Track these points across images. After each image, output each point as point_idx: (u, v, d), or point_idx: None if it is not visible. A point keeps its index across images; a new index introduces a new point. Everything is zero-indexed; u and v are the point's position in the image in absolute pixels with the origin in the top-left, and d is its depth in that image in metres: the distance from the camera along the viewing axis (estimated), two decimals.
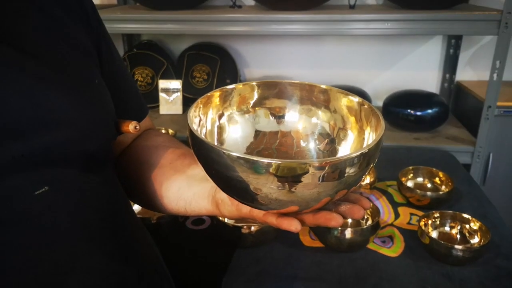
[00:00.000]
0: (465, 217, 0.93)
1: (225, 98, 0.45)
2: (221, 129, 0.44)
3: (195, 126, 0.39)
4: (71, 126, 0.38)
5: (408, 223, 1.01)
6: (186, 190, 0.48)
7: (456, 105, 1.81)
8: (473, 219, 0.92)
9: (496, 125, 1.51)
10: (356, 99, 0.43)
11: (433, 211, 0.95)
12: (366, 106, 0.41)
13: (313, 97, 0.46)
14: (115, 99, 0.50)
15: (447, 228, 0.94)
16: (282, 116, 0.47)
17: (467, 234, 0.92)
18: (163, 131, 1.48)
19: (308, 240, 0.95)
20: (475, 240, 0.90)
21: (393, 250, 0.92)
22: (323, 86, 0.45)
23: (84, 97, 0.41)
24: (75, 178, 0.39)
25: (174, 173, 0.50)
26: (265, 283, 0.83)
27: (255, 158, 0.31)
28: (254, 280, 0.83)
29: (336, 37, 1.82)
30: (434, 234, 0.93)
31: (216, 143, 0.43)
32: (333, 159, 0.31)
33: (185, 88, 1.81)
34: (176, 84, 1.78)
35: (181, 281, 0.86)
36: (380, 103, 1.71)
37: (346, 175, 0.32)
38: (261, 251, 0.91)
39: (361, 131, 0.42)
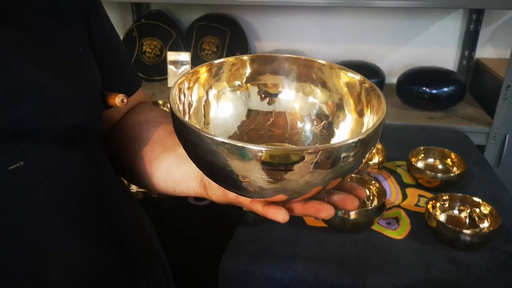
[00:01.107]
0: (475, 201, 0.90)
1: (215, 73, 0.42)
2: (209, 107, 0.41)
3: (177, 105, 0.36)
4: (48, 97, 0.36)
5: (416, 205, 0.98)
6: (175, 169, 0.45)
7: (473, 84, 1.74)
8: (484, 202, 0.89)
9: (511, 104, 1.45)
10: (357, 77, 0.39)
11: (442, 194, 0.92)
12: (367, 85, 0.38)
13: (313, 73, 0.42)
14: (104, 70, 0.47)
15: (455, 212, 0.91)
16: (277, 94, 0.43)
17: (476, 218, 0.89)
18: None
19: (311, 220, 0.92)
20: (485, 224, 0.87)
21: (398, 232, 0.89)
22: (323, 62, 0.41)
23: (65, 66, 0.38)
24: (54, 153, 0.37)
25: (164, 151, 0.47)
26: (265, 261, 0.81)
27: (240, 144, 0.28)
28: (254, 258, 0.82)
29: (351, 9, 1.75)
30: (442, 217, 0.91)
31: (203, 123, 0.40)
32: (326, 146, 0.28)
33: (194, 60, 1.77)
34: (185, 56, 1.74)
35: (180, 259, 0.85)
36: (394, 80, 1.65)
37: (340, 163, 0.30)
38: (262, 229, 0.89)
39: (361, 113, 0.39)
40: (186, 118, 0.38)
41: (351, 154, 0.30)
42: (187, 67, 1.74)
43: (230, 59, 0.41)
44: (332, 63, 0.41)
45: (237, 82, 0.43)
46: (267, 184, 0.30)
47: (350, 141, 0.29)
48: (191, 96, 0.39)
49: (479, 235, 0.82)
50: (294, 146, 0.27)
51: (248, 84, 0.43)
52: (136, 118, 0.53)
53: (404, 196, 1.01)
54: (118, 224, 0.43)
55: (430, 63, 1.73)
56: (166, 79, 1.75)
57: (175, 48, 1.79)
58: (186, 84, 0.38)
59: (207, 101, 0.41)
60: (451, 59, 1.78)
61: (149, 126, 0.51)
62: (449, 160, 1.09)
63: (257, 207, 0.36)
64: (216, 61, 0.41)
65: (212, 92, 0.42)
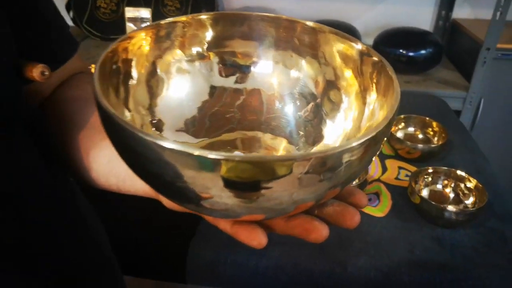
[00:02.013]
0: (460, 175, 0.84)
1: (164, 38, 0.31)
2: (157, 84, 0.31)
3: (106, 88, 0.25)
4: None
5: (396, 178, 0.92)
6: (117, 163, 0.35)
7: (450, 46, 1.68)
8: (469, 176, 0.83)
9: (490, 69, 1.40)
10: (357, 46, 0.29)
11: (426, 167, 0.86)
12: (373, 58, 0.28)
13: (295, 38, 0.32)
14: (24, 33, 0.35)
15: (439, 186, 0.86)
16: (249, 67, 0.33)
17: (461, 194, 0.84)
18: None
19: None
20: (470, 200, 0.82)
21: (380, 209, 0.83)
22: (310, 23, 0.31)
23: None
24: None
25: (105, 138, 0.36)
26: (237, 248, 0.73)
27: (197, 152, 0.18)
28: (225, 244, 0.74)
29: None
30: (425, 192, 0.85)
31: (147, 107, 0.30)
32: (321, 153, 0.19)
33: (155, 18, 1.61)
34: (145, 13, 1.58)
35: (145, 247, 0.76)
36: (370, 42, 1.57)
37: (340, 172, 0.20)
38: None
39: (361, 94, 0.29)
40: (121, 103, 0.27)
41: (356, 159, 0.21)
42: (147, 24, 1.58)
43: (184, 18, 0.30)
44: (322, 25, 0.31)
45: (196, 50, 0.32)
46: (236, 203, 0.21)
47: (354, 144, 0.20)
48: (130, 70, 0.28)
49: (465, 213, 0.76)
50: (272, 156, 0.18)
51: (211, 53, 0.32)
52: (71, 93, 0.42)
53: (384, 169, 0.95)
54: (43, 229, 0.33)
55: (406, 23, 1.65)
56: None
57: (134, 3, 1.61)
58: (120, 55, 0.27)
59: (153, 76, 0.30)
60: (427, 19, 1.70)
61: (86, 104, 0.40)
62: (430, 129, 1.03)
63: (224, 225, 0.27)
64: (164, 22, 0.30)
65: (161, 64, 0.31)
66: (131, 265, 0.76)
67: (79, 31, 1.59)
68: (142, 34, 0.29)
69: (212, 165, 0.18)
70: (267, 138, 0.32)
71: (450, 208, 0.78)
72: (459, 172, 0.84)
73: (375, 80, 0.27)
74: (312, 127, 0.31)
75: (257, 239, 0.25)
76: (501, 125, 1.54)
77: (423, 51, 1.46)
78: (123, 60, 0.27)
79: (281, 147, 0.32)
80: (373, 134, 0.20)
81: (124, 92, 0.28)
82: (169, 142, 0.18)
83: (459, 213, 0.77)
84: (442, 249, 0.75)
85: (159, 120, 0.30)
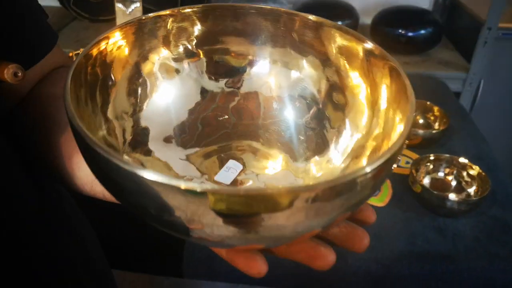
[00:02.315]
0: (462, 162, 0.82)
1: (145, 37, 0.27)
2: (141, 88, 0.27)
3: (79, 98, 0.22)
4: None
5: (397, 165, 0.90)
6: None
7: (449, 25, 1.64)
8: (471, 164, 0.81)
9: (491, 49, 1.37)
10: (364, 44, 0.26)
11: (427, 155, 0.84)
12: (383, 59, 0.24)
13: (294, 34, 0.28)
14: None
15: (441, 174, 0.84)
16: (244, 66, 0.29)
17: (463, 182, 0.82)
18: None
19: None
20: (472, 188, 0.80)
21: (380, 199, 0.81)
22: (311, 17, 0.27)
23: None
24: None
25: None
26: None
27: (183, 184, 0.15)
28: None
29: None
30: (426, 181, 0.83)
31: (131, 113, 0.27)
32: (328, 183, 0.16)
33: None
34: None
35: (142, 242, 0.74)
36: (368, 21, 1.52)
37: (352, 197, 0.18)
38: None
39: (369, 98, 0.26)
40: (100, 112, 0.24)
41: (370, 183, 0.18)
42: (137, 5, 1.52)
43: (169, 11, 0.27)
44: (324, 19, 0.27)
45: (183, 48, 0.29)
46: (231, 234, 0.18)
47: (368, 169, 0.17)
48: (109, 75, 0.25)
49: (468, 202, 0.75)
50: (271, 188, 0.15)
51: (200, 51, 0.29)
52: (51, 91, 0.38)
53: None
54: (21, 240, 0.31)
55: (405, 1, 1.60)
56: (114, 19, 1.53)
57: None
58: (97, 59, 0.24)
59: (137, 78, 0.27)
60: None
61: None
62: (430, 114, 1.00)
63: (218, 249, 0.24)
64: (146, 17, 0.26)
65: (145, 65, 0.27)
66: (127, 260, 0.74)
67: (66, 13, 1.53)
68: (122, 33, 0.25)
69: (201, 199, 0.16)
70: (263, 146, 0.29)
71: (452, 197, 0.76)
72: (461, 159, 0.82)
73: (384, 84, 0.24)
74: (314, 133, 0.28)
75: (256, 267, 0.22)
76: (500, 106, 1.52)
77: (422, 31, 1.42)
78: (100, 63, 0.24)
79: (279, 158, 0.29)
80: (388, 156, 0.18)
81: (102, 100, 0.24)
82: (151, 173, 0.16)
83: (462, 203, 0.75)
84: (443, 239, 0.73)
85: (145, 128, 0.27)
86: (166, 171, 0.26)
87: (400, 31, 1.41)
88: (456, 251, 0.71)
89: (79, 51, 1.23)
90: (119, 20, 1.53)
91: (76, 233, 0.44)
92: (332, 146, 0.27)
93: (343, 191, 0.17)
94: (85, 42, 1.39)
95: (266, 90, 0.30)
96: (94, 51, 0.23)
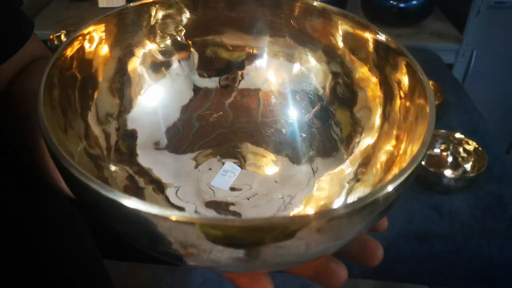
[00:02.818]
0: (458, 138, 0.81)
1: (129, 29, 0.24)
2: (127, 87, 0.25)
3: (55, 107, 0.19)
4: None
5: None
6: None
7: None
8: (467, 139, 0.80)
9: (483, 18, 1.34)
10: (376, 36, 0.23)
11: None
12: (396, 53, 0.22)
13: (294, 22, 0.26)
14: None
15: (437, 150, 0.83)
16: (243, 63, 0.27)
17: (459, 158, 0.81)
18: None
19: None
20: (468, 164, 0.79)
21: None
22: (314, 3, 0.24)
23: None
24: None
25: None
26: None
27: (174, 216, 0.13)
28: None
29: None
30: None
31: (117, 113, 0.24)
32: (336, 213, 0.14)
33: None
34: None
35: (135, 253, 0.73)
36: None
37: (366, 220, 0.16)
38: None
39: (379, 95, 0.24)
40: (80, 119, 0.22)
41: (386, 205, 0.16)
42: None
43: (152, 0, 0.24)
44: (325, 5, 0.25)
45: (172, 40, 0.26)
46: (230, 262, 0.16)
47: (383, 192, 0.15)
48: (89, 74, 0.23)
49: (465, 179, 0.74)
50: (271, 218, 0.14)
51: (191, 43, 0.26)
52: (29, 85, 0.35)
53: None
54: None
55: None
56: None
57: None
58: (74, 58, 0.21)
59: (122, 76, 0.25)
60: None
61: None
62: None
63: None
64: (128, 7, 0.24)
65: (131, 61, 0.25)
66: (121, 251, 0.72)
67: None
68: (101, 27, 0.23)
69: (195, 230, 0.14)
70: (263, 146, 0.27)
71: (449, 174, 0.75)
72: (457, 135, 0.81)
73: (398, 79, 0.22)
74: (318, 132, 0.26)
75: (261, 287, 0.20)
76: (492, 77, 1.50)
77: (414, 2, 1.39)
78: (78, 64, 0.21)
79: (280, 159, 0.27)
80: (406, 175, 0.16)
81: (82, 105, 0.22)
82: (137, 201, 0.14)
83: (458, 180, 0.74)
84: (440, 217, 0.73)
85: (132, 131, 0.25)
86: (156, 184, 0.24)
87: (391, 2, 1.38)
88: (453, 228, 0.71)
89: (60, 33, 1.18)
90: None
91: (67, 232, 0.43)
92: (338, 146, 0.25)
93: (360, 215, 0.15)
94: (66, 23, 1.33)
95: (265, 85, 0.27)
96: (69, 51, 0.21)
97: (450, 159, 0.81)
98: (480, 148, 0.78)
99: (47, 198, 0.41)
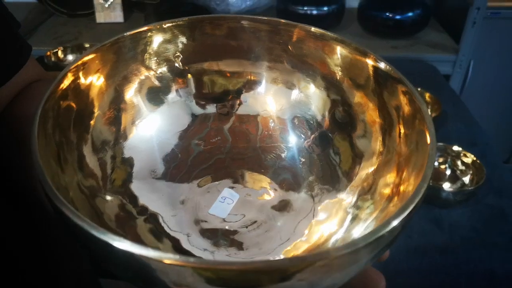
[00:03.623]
0: (456, 150, 0.81)
1: (125, 57, 0.25)
2: (123, 114, 0.25)
3: (49, 143, 0.19)
4: None
5: None
6: None
7: (438, 6, 1.61)
8: (465, 152, 0.80)
9: (480, 30, 1.35)
10: (373, 62, 0.23)
11: None
12: (394, 80, 0.22)
13: (292, 48, 0.26)
14: None
15: (435, 163, 0.82)
16: (241, 90, 0.27)
17: (457, 171, 0.81)
18: None
19: None
20: (467, 177, 0.79)
21: None
22: (312, 29, 0.25)
23: None
24: None
25: None
26: None
27: (167, 258, 0.13)
28: None
29: None
30: None
31: (113, 140, 0.24)
32: (340, 251, 0.14)
33: None
34: None
35: None
36: (355, 5, 1.49)
37: (365, 261, 0.16)
38: None
39: (378, 121, 0.24)
40: (75, 150, 0.22)
41: (390, 239, 0.16)
42: None
43: (148, 27, 0.24)
44: (324, 31, 0.25)
45: (169, 67, 0.26)
46: None
47: (392, 226, 0.15)
48: (86, 104, 0.23)
49: (464, 192, 0.74)
50: (270, 261, 0.13)
51: (187, 69, 0.26)
52: (26, 110, 0.35)
53: None
54: None
55: None
56: (93, 13, 1.48)
57: None
58: (70, 89, 0.21)
59: (118, 104, 0.25)
60: None
61: None
62: None
63: None
64: (124, 36, 0.24)
65: (127, 88, 0.25)
66: None
67: (43, 8, 1.48)
68: (97, 56, 0.23)
69: (191, 273, 0.14)
70: (262, 172, 0.27)
71: (448, 188, 0.75)
72: (455, 147, 0.81)
73: (396, 106, 0.22)
74: (318, 158, 0.26)
75: None
76: (490, 88, 1.51)
77: (410, 13, 1.40)
78: (74, 95, 0.21)
79: (279, 185, 0.26)
80: (411, 207, 0.16)
81: (78, 136, 0.22)
82: (127, 243, 0.13)
83: (457, 193, 0.74)
84: (440, 231, 0.73)
85: (129, 159, 0.25)
86: (151, 214, 0.24)
87: (387, 14, 1.39)
88: (453, 242, 0.71)
89: (57, 50, 1.19)
90: (99, 14, 1.47)
91: (61, 252, 0.42)
92: (337, 173, 0.25)
93: (364, 252, 0.15)
94: (63, 39, 1.34)
95: (264, 111, 0.27)
96: (64, 84, 0.21)
97: (448, 172, 0.81)
98: (478, 161, 0.78)
99: (41, 217, 0.40)
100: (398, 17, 1.38)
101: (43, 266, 0.37)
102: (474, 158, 0.78)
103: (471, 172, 0.79)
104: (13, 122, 0.35)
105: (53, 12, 1.48)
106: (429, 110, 0.96)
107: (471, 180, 0.78)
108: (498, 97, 1.53)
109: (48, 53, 1.15)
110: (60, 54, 1.17)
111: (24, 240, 0.36)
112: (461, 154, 0.80)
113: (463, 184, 0.78)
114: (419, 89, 0.99)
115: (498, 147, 1.53)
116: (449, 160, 0.82)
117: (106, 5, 1.46)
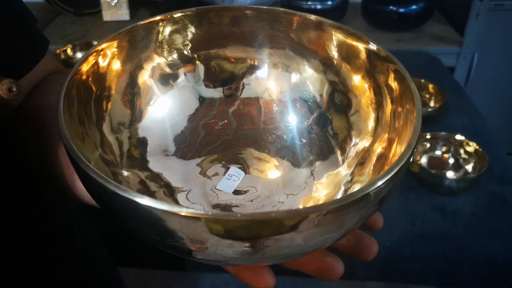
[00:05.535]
0: (459, 139, 0.82)
1: (138, 45, 0.27)
2: (137, 98, 0.27)
3: (73, 117, 0.21)
4: None
5: None
6: None
7: None
8: (468, 141, 0.82)
9: (483, 21, 1.36)
10: (367, 46, 0.25)
11: (424, 133, 0.84)
12: (386, 62, 0.24)
13: (292, 35, 0.28)
14: None
15: (438, 152, 0.84)
16: (244, 74, 0.29)
17: (460, 159, 0.82)
18: None
19: None
20: (470, 165, 0.80)
21: None
22: (311, 17, 0.27)
23: None
24: None
25: None
26: None
27: (184, 211, 0.15)
28: None
29: None
30: (423, 160, 0.83)
31: (129, 122, 0.26)
32: (332, 205, 0.16)
33: None
34: None
35: (138, 242, 0.74)
36: None
37: (362, 212, 0.18)
38: None
39: (372, 101, 0.25)
40: (96, 128, 0.24)
41: (377, 200, 0.18)
42: None
43: (160, 17, 0.26)
44: (322, 18, 0.27)
45: (179, 54, 0.28)
46: (235, 255, 0.18)
47: (377, 186, 0.17)
48: (103, 87, 0.25)
49: (466, 179, 0.75)
50: (272, 212, 0.15)
51: (196, 56, 0.28)
52: (45, 100, 0.37)
53: None
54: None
55: None
56: (100, 11, 1.50)
57: None
58: (90, 73, 0.23)
59: (133, 88, 0.27)
60: None
61: None
62: (425, 92, 1.00)
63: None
64: (138, 25, 0.26)
65: (141, 74, 0.27)
66: (130, 257, 0.74)
67: (50, 8, 1.50)
68: (113, 43, 0.25)
69: (203, 225, 0.16)
70: (265, 151, 0.29)
71: (451, 176, 0.76)
72: (457, 137, 0.82)
73: (388, 87, 0.24)
74: (317, 137, 0.28)
75: (263, 281, 0.22)
76: (494, 80, 1.52)
77: (414, 6, 1.41)
78: (93, 78, 0.24)
79: (281, 163, 0.28)
80: (399, 166, 0.17)
81: (97, 116, 0.24)
82: (147, 199, 0.15)
83: (460, 181, 0.75)
84: (443, 218, 0.74)
85: (143, 139, 0.27)
86: (166, 187, 0.26)
87: (391, 7, 1.40)
88: (456, 229, 0.72)
89: (66, 48, 1.21)
90: (106, 13, 1.50)
91: (81, 240, 0.44)
92: (335, 150, 0.27)
93: (353, 209, 0.17)
94: (72, 37, 1.36)
95: (266, 94, 0.29)
96: (85, 66, 0.23)
97: (451, 161, 0.83)
98: (480, 149, 0.79)
99: (61, 205, 0.43)
100: (401, 10, 1.39)
101: (59, 256, 0.39)
102: (477, 147, 0.80)
103: (473, 160, 0.80)
104: (33, 112, 0.37)
105: (61, 11, 1.51)
106: (432, 102, 0.97)
107: (473, 168, 0.79)
108: (502, 89, 1.54)
109: (58, 51, 1.18)
110: (69, 52, 1.19)
111: (40, 230, 0.38)
112: (464, 143, 0.82)
113: (466, 172, 0.80)
114: (422, 80, 1.01)
115: (502, 139, 1.54)
116: (452, 149, 0.83)
117: (113, 4, 1.49)
